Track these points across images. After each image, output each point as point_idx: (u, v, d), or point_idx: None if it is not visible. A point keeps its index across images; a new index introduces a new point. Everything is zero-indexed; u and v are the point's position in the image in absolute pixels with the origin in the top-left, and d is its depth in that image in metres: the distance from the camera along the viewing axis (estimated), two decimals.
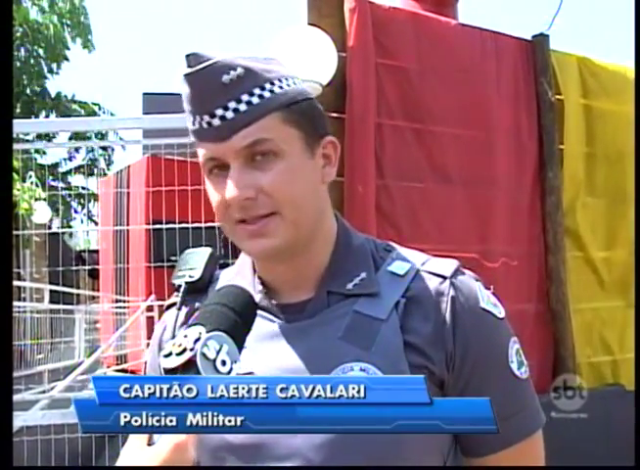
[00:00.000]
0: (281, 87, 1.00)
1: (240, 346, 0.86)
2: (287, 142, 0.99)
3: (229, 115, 0.97)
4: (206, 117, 0.98)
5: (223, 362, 0.80)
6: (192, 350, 0.80)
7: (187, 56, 0.97)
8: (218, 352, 0.81)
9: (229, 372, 0.80)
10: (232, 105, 0.97)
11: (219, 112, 0.97)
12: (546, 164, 3.93)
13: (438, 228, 3.51)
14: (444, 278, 1.04)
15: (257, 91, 0.98)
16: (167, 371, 0.81)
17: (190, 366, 0.79)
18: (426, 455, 0.99)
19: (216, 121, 0.97)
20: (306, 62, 2.98)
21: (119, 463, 0.83)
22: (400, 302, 1.01)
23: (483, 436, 0.99)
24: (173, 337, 1.09)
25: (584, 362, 3.92)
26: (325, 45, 3.11)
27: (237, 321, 0.87)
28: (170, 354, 0.81)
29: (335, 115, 3.23)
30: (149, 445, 0.80)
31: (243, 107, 0.97)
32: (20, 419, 3.47)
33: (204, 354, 0.79)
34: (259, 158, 0.98)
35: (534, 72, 3.95)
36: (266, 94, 0.98)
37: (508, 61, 3.88)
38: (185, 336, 0.82)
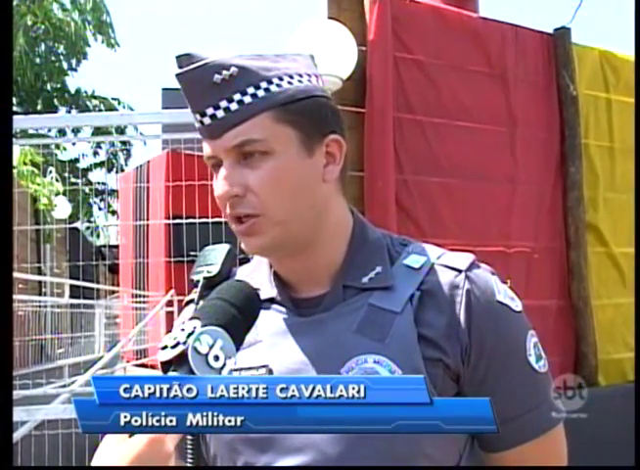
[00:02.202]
0: (279, 85, 1.00)
1: (239, 341, 0.85)
2: (279, 141, 0.99)
3: (220, 114, 0.98)
4: (198, 116, 1.00)
5: (216, 357, 0.79)
6: (184, 343, 0.79)
7: (178, 57, 0.99)
8: (212, 347, 0.80)
9: (222, 368, 0.80)
10: (223, 104, 0.98)
11: (210, 111, 0.98)
12: (567, 159, 3.89)
13: (459, 223, 3.49)
14: (459, 271, 1.03)
15: (251, 90, 0.98)
16: (162, 364, 0.81)
17: (183, 360, 0.79)
18: (441, 449, 0.98)
19: (207, 120, 0.99)
20: (326, 55, 2.97)
21: (97, 455, 0.81)
22: (415, 295, 1.01)
23: (502, 431, 0.99)
24: None
25: (606, 359, 3.88)
26: (345, 39, 3.10)
27: (235, 316, 0.86)
28: (166, 347, 0.80)
29: (354, 109, 3.22)
30: (130, 436, 0.79)
31: (234, 106, 0.98)
32: (41, 413, 3.50)
33: (195, 349, 0.79)
34: (250, 156, 0.99)
35: (556, 66, 3.91)
36: (260, 93, 0.99)
37: (529, 54, 3.85)
38: (182, 329, 0.81)
